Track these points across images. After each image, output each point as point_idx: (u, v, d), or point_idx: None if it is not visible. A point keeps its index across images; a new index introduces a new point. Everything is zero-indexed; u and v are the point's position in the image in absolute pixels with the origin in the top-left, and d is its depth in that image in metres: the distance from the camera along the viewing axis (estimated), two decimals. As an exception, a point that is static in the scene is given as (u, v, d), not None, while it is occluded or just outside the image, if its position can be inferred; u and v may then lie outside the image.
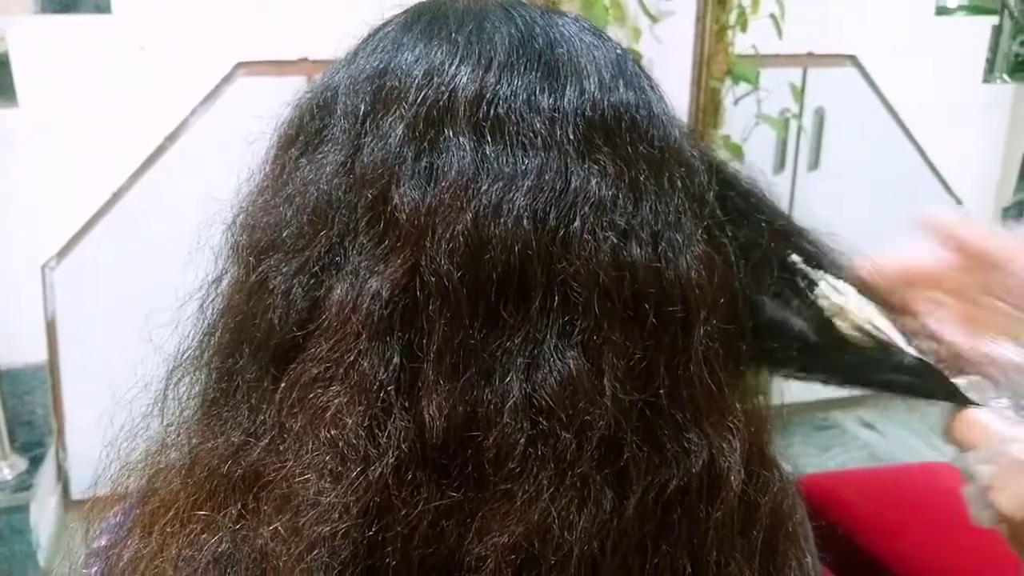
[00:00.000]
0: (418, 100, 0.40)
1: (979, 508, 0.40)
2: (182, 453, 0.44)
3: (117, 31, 1.83)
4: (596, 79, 0.42)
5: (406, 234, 0.38)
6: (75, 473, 1.99)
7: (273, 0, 1.88)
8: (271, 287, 0.41)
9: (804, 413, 2.44)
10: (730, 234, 0.45)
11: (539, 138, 0.39)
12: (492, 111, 0.40)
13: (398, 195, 0.39)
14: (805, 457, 2.30)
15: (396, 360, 0.38)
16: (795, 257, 0.48)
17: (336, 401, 0.38)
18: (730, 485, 0.41)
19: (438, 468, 0.39)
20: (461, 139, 0.39)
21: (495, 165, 0.39)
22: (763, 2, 1.99)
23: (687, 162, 0.43)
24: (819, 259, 0.48)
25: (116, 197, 1.90)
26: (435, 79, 0.40)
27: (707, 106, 2.03)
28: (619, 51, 0.44)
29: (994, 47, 2.61)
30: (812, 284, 0.47)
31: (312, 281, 0.40)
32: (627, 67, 0.44)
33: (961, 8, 2.63)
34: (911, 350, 0.45)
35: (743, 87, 2.06)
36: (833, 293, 0.46)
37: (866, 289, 0.46)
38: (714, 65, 2.01)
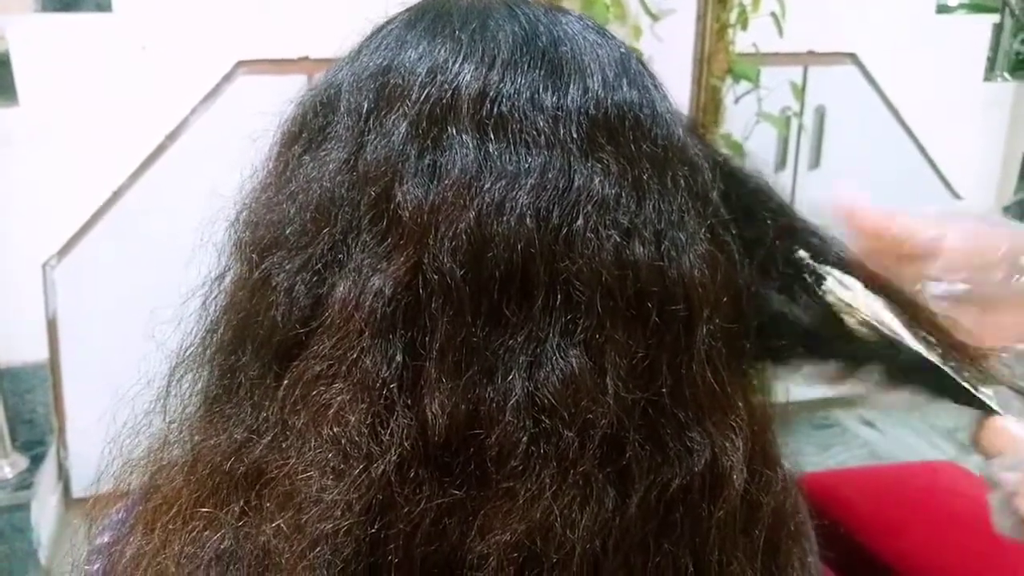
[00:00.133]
0: (421, 98, 0.40)
1: (1003, 516, 0.40)
2: (184, 450, 0.44)
3: (118, 30, 1.83)
4: (600, 77, 0.42)
5: (409, 232, 0.38)
6: (76, 472, 1.99)
7: (274, -1, 1.89)
8: (274, 284, 0.41)
9: (804, 411, 2.44)
10: (734, 231, 0.45)
11: (542, 136, 0.39)
12: (495, 109, 0.40)
13: (401, 193, 0.39)
14: (805, 455, 2.30)
15: (399, 358, 0.38)
16: (802, 253, 0.48)
17: (339, 398, 0.39)
18: (732, 484, 0.41)
19: (440, 466, 0.39)
20: (464, 137, 0.39)
21: (498, 163, 0.39)
22: (763, 0, 1.99)
23: (690, 161, 0.43)
24: (825, 254, 0.48)
25: (117, 196, 1.90)
26: (439, 77, 0.40)
27: (708, 104, 2.03)
28: (623, 49, 0.44)
29: (995, 45, 2.60)
30: (819, 279, 0.47)
31: (315, 278, 0.40)
32: (631, 65, 0.44)
33: (962, 6, 2.63)
34: (919, 346, 0.45)
35: (744, 85, 2.06)
36: (840, 288, 0.47)
37: (873, 284, 0.47)
38: (715, 63, 2.00)
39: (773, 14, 2.00)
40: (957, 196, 2.61)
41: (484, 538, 0.38)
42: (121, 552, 0.44)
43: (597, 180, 0.39)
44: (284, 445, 0.40)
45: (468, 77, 0.40)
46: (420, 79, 0.41)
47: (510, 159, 0.39)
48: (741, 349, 0.44)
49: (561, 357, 0.38)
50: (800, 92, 2.22)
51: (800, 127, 2.28)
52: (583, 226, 0.39)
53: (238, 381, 0.42)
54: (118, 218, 1.90)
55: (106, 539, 0.48)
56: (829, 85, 2.32)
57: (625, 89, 0.42)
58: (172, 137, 1.90)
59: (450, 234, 0.38)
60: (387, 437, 0.38)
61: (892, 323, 0.46)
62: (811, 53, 2.29)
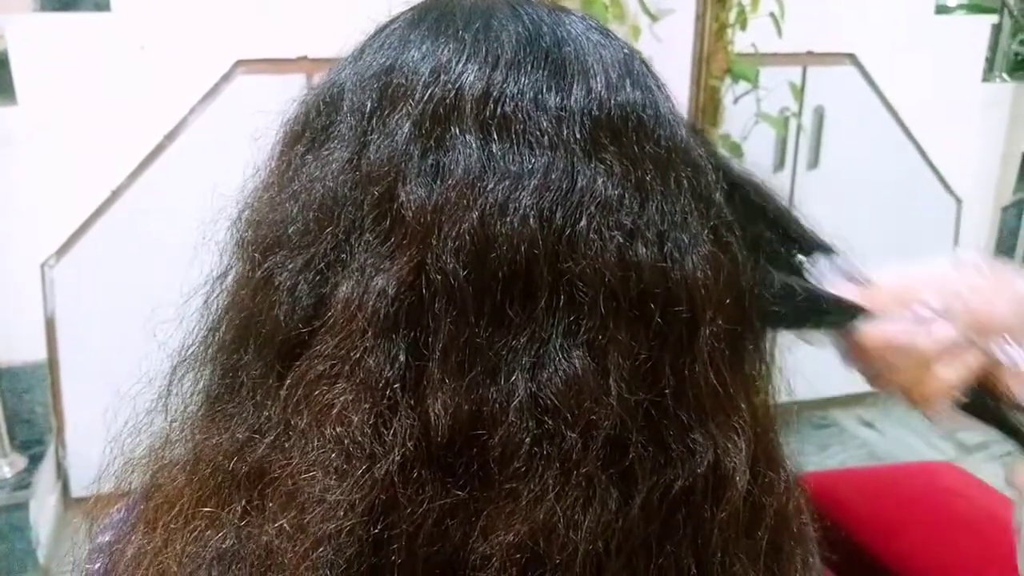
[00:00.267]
0: (425, 98, 0.40)
1: None
2: (186, 449, 0.44)
3: (116, 29, 1.83)
4: (603, 78, 0.41)
5: (412, 232, 0.38)
6: (74, 471, 1.99)
7: (273, -2, 1.89)
8: (277, 283, 0.41)
9: (803, 411, 2.45)
10: (737, 234, 0.45)
11: (545, 137, 0.39)
12: (499, 109, 0.39)
13: (404, 193, 0.39)
14: (803, 455, 2.30)
15: (402, 358, 0.38)
16: (800, 256, 0.48)
17: (342, 398, 0.38)
18: (735, 486, 0.41)
19: (443, 466, 0.39)
20: (468, 137, 0.39)
21: (501, 164, 0.39)
22: (763, 1, 1.99)
23: (694, 162, 0.43)
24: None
25: (115, 195, 1.90)
26: (442, 77, 0.40)
27: (706, 105, 2.03)
28: (626, 50, 0.44)
29: (994, 46, 2.61)
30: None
31: (318, 278, 0.40)
32: (634, 66, 0.44)
33: (961, 7, 2.63)
34: None
35: (743, 86, 2.06)
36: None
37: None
38: (713, 64, 2.01)
39: (772, 14, 2.00)
40: (956, 196, 2.62)
41: (487, 539, 0.38)
42: (122, 551, 0.44)
43: (600, 181, 0.39)
44: (287, 445, 0.40)
45: (471, 77, 0.40)
46: (423, 79, 0.41)
47: (513, 159, 0.39)
48: (744, 350, 0.44)
49: (564, 358, 0.38)
50: (799, 92, 2.23)
51: (799, 127, 2.28)
52: (586, 227, 0.39)
53: (240, 380, 0.42)
54: (117, 218, 1.90)
55: (107, 538, 0.48)
56: (828, 85, 2.33)
57: (628, 90, 0.42)
58: (171, 137, 1.90)
59: (453, 234, 0.38)
60: (390, 437, 0.38)
61: None
62: (810, 53, 2.30)
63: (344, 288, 0.39)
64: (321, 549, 0.38)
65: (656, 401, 0.40)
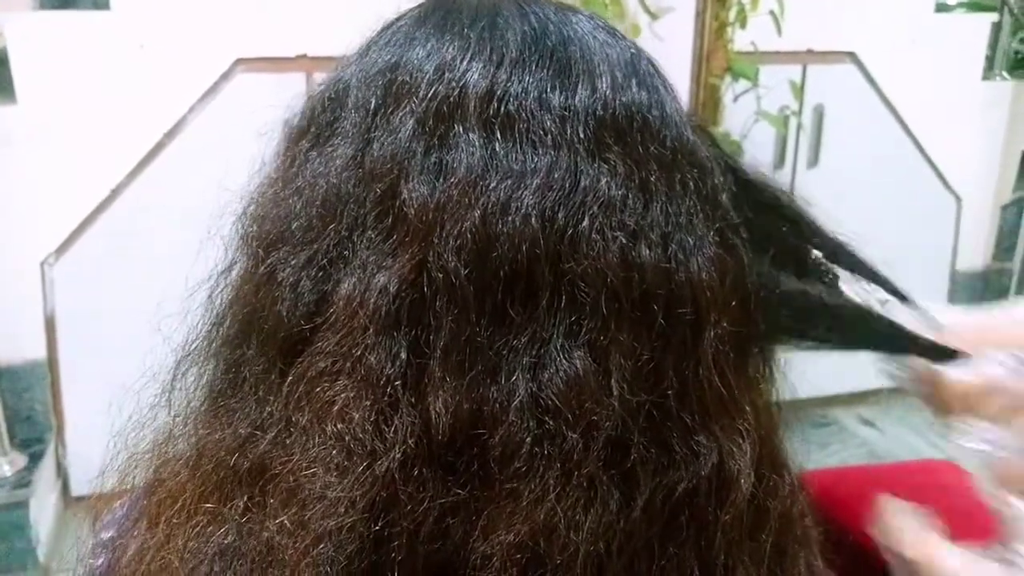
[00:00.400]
0: (429, 95, 0.40)
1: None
2: (189, 444, 0.44)
3: (116, 28, 1.83)
4: (608, 78, 0.41)
5: (414, 229, 0.38)
6: (74, 469, 1.99)
7: (272, -4, 1.89)
8: (279, 279, 0.41)
9: (803, 410, 2.45)
10: (744, 234, 0.45)
11: (549, 136, 0.39)
12: (503, 108, 0.39)
13: (407, 190, 0.39)
14: (803, 454, 2.30)
15: (403, 355, 0.38)
16: (816, 253, 0.48)
17: (343, 395, 0.38)
18: (739, 488, 0.40)
19: (444, 465, 0.38)
20: (471, 135, 0.39)
21: (504, 162, 0.39)
22: (763, -1, 1.99)
23: (700, 163, 0.43)
24: (838, 256, 0.49)
25: (115, 194, 1.90)
26: (446, 74, 0.40)
27: (706, 103, 2.03)
28: (633, 50, 0.44)
29: (993, 44, 2.61)
30: (835, 278, 0.48)
31: (320, 274, 0.40)
32: (640, 66, 0.43)
33: (961, 5, 2.64)
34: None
35: (742, 84, 2.07)
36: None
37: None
38: (713, 62, 2.01)
39: (772, 12, 2.00)
40: (956, 194, 2.62)
41: (487, 538, 0.38)
42: (125, 547, 0.44)
43: (604, 181, 0.39)
44: (288, 441, 0.40)
45: (476, 75, 0.40)
46: (428, 76, 0.41)
47: (516, 158, 0.39)
48: (749, 353, 0.44)
49: (565, 358, 0.38)
50: (799, 91, 2.23)
51: (799, 126, 2.28)
52: (588, 227, 0.38)
53: (243, 376, 0.42)
54: (116, 216, 1.90)
55: (110, 534, 0.48)
56: (828, 84, 2.33)
57: (634, 90, 0.42)
58: (170, 135, 1.90)
59: (455, 232, 0.38)
60: (391, 435, 0.38)
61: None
62: (810, 52, 2.30)
63: (346, 285, 0.39)
64: (322, 546, 0.37)
65: (659, 403, 0.39)
